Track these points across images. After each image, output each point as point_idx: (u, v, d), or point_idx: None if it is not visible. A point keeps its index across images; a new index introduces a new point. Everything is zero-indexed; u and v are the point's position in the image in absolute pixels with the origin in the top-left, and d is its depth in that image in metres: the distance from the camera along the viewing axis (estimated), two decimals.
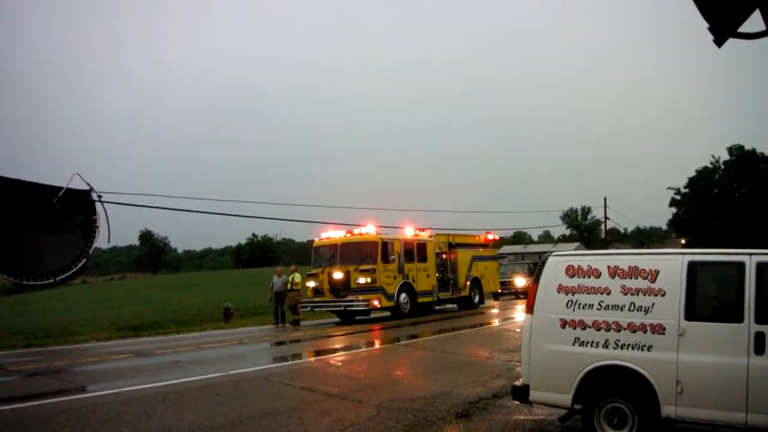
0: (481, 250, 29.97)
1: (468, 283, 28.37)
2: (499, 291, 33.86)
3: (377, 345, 16.51)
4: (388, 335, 19.08)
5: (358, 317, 24.92)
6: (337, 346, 16.81)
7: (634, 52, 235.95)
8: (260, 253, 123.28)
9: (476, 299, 29.24)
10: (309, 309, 24.31)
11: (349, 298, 22.99)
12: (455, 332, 19.39)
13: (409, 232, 25.76)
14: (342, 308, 23.25)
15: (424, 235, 26.35)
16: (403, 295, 24.06)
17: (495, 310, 28.63)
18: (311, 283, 24.12)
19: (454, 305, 28.75)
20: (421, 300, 25.04)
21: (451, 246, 28.07)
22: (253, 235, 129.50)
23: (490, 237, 31.17)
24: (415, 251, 24.90)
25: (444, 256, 27.53)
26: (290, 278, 24.67)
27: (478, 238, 30.53)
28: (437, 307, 27.22)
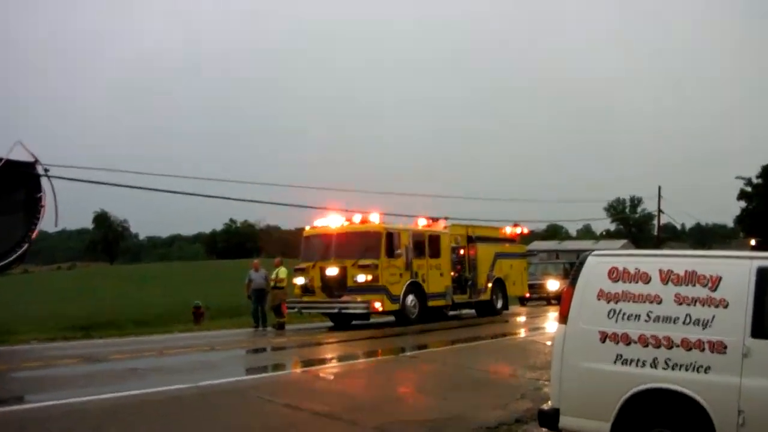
0: (506, 245, 30.02)
1: (489, 285, 28.44)
2: (527, 295, 34.12)
3: (377, 356, 16.76)
4: (390, 344, 19.30)
5: (355, 322, 25.23)
6: (329, 355, 17.09)
7: (700, 26, 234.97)
8: (239, 242, 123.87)
9: (499, 304, 29.28)
10: (296, 310, 24.53)
11: (345, 298, 23.18)
12: (472, 343, 19.61)
13: (420, 222, 25.92)
14: (336, 310, 23.59)
15: (438, 226, 26.44)
16: (410, 297, 24.14)
17: (521, 318, 28.97)
18: (300, 280, 24.28)
19: (472, 311, 28.93)
20: (432, 303, 25.08)
21: (471, 240, 28.14)
22: (231, 221, 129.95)
23: (518, 230, 31.15)
24: (427, 245, 24.98)
25: (461, 251, 27.59)
26: (274, 273, 24.77)
27: (503, 231, 30.61)
28: (451, 313, 27.42)
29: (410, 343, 19.49)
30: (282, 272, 24.75)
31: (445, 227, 26.95)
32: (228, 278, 46.59)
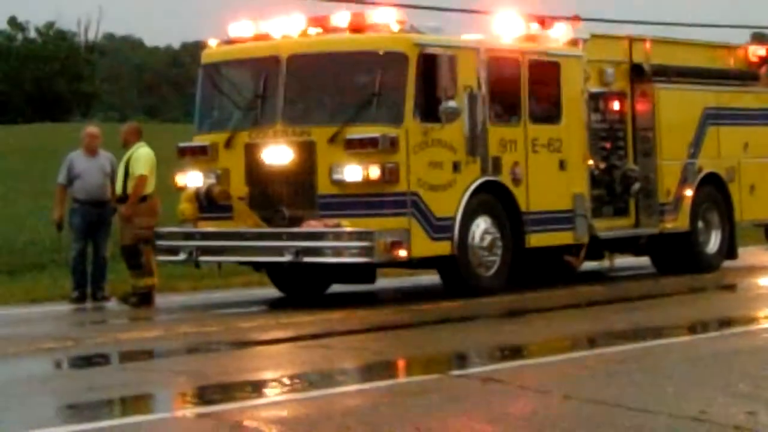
0: (733, 89, 19.97)
1: (689, 193, 18.53)
2: None
3: (399, 376, 11.07)
4: (428, 345, 12.52)
5: (336, 287, 17.13)
6: (269, 374, 11.03)
7: None
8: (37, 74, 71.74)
9: (712, 242, 19.18)
10: (185, 256, 15.73)
11: (313, 226, 14.77)
12: (643, 344, 11.99)
13: (507, 31, 16.54)
14: (289, 257, 14.95)
15: (555, 39, 17.10)
16: (480, 225, 15.33)
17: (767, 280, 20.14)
18: (193, 179, 15.72)
19: (644, 259, 19.34)
20: (536, 241, 16.32)
21: (640, 73, 18.25)
22: (15, 23, 73.33)
23: (761, 51, 20.39)
24: (526, 88, 16.36)
25: (616, 105, 18.08)
26: (125, 160, 15.73)
27: (725, 52, 20.42)
28: (588, 265, 18.35)
29: (479, 344, 12.56)
30: (144, 158, 15.55)
31: (576, 42, 16.80)
32: (15, 174, 34.51)
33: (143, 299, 15.00)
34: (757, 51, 19.59)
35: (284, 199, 14.71)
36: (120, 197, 15.25)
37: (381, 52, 14.39)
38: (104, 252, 15.75)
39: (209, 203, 14.88)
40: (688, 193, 18.24)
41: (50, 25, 74.97)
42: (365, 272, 15.28)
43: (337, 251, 14.24)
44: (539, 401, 8.77)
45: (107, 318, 15.21)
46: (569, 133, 16.27)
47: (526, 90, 15.73)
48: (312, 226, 14.19)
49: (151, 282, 15.10)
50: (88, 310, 15.57)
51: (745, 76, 19.71)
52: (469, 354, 11.55)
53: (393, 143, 14.02)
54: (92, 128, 17.05)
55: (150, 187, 15.03)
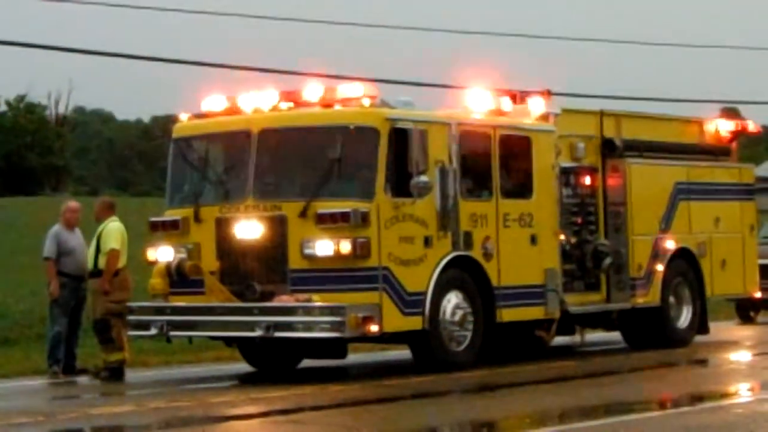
0: (702, 165, 20.25)
1: (660, 268, 18.75)
2: (757, 295, 22.30)
3: None
4: (404, 421, 12.50)
5: (308, 362, 17.21)
6: None
7: None
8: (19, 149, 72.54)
9: (683, 318, 19.23)
10: (156, 331, 15.65)
11: (284, 300, 14.86)
12: (615, 419, 11.95)
13: (479, 104, 16.89)
14: (260, 332, 14.97)
15: (528, 113, 17.40)
16: (451, 300, 15.59)
17: (742, 356, 19.74)
18: (164, 254, 15.85)
19: (615, 335, 19.44)
20: (508, 316, 16.38)
21: (612, 148, 18.44)
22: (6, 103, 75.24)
23: (731, 125, 20.78)
24: (496, 161, 16.74)
25: (587, 179, 18.47)
26: (97, 233, 16.21)
27: (693, 126, 20.57)
28: (559, 340, 18.48)
29: (451, 419, 12.52)
30: (115, 233, 15.93)
31: (547, 116, 17.38)
32: None
33: (114, 374, 15.05)
34: (720, 126, 19.75)
35: (255, 273, 14.80)
36: (92, 272, 15.43)
37: (352, 127, 14.56)
38: (81, 326, 16.07)
39: (180, 278, 14.95)
40: (660, 268, 18.33)
41: (21, 98, 74.12)
42: (336, 347, 15.38)
43: (309, 326, 14.32)
44: None
45: (79, 393, 15.27)
46: (540, 208, 16.38)
47: (497, 165, 15.88)
48: (283, 300, 14.36)
49: (121, 356, 15.13)
50: (61, 385, 15.57)
51: (716, 150, 19.93)
52: (441, 429, 11.61)
53: (364, 218, 14.08)
54: (73, 203, 17.21)
55: (122, 262, 15.28)
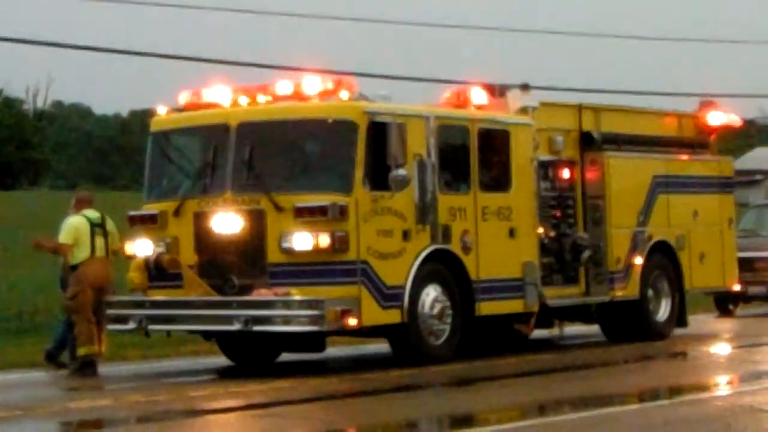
0: (681, 158, 20.47)
1: (638, 261, 18.79)
2: (737, 288, 22.46)
3: None
4: (383, 415, 12.70)
5: (287, 355, 17.30)
6: None
7: None
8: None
9: (662, 311, 19.16)
10: (134, 325, 15.90)
11: (262, 294, 14.91)
12: (594, 412, 12.19)
13: (460, 97, 17.64)
14: (238, 326, 15.16)
15: (507, 107, 17.52)
16: (430, 293, 15.62)
17: (721, 348, 19.97)
18: (143, 248, 16.02)
19: (593, 328, 19.36)
20: (487, 309, 16.34)
21: (589, 141, 18.67)
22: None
23: (712, 119, 20.78)
24: (475, 155, 16.78)
25: (566, 172, 18.40)
26: (67, 230, 16.50)
27: (672, 119, 20.90)
28: (538, 333, 18.56)
29: (430, 413, 12.74)
30: (68, 227, 16.18)
31: (525, 111, 17.28)
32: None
33: (82, 367, 15.20)
34: (699, 118, 20.00)
35: (234, 267, 14.90)
36: (69, 266, 15.74)
37: (330, 120, 14.75)
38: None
39: (159, 272, 15.08)
40: (638, 261, 18.46)
41: None
42: (315, 341, 15.47)
43: (287, 320, 14.42)
44: None
45: (57, 387, 15.32)
46: (519, 202, 16.57)
47: (475, 158, 16.15)
48: (262, 294, 14.44)
49: (87, 350, 15.26)
50: (40, 379, 15.83)
51: (695, 144, 20.18)
52: (419, 423, 11.77)
53: (342, 211, 14.34)
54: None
55: (82, 256, 15.40)
